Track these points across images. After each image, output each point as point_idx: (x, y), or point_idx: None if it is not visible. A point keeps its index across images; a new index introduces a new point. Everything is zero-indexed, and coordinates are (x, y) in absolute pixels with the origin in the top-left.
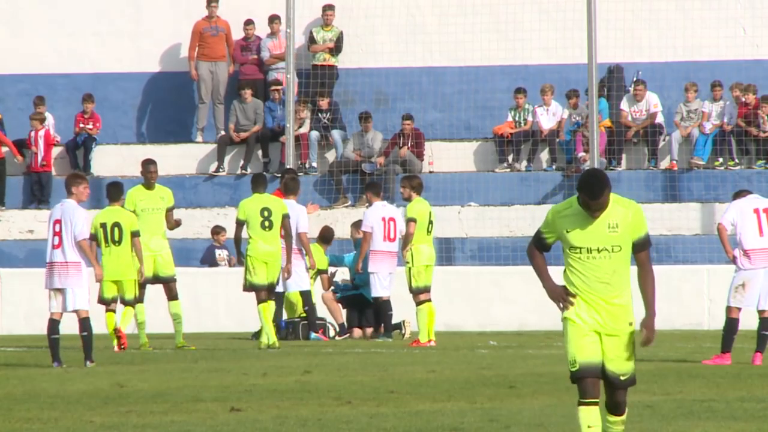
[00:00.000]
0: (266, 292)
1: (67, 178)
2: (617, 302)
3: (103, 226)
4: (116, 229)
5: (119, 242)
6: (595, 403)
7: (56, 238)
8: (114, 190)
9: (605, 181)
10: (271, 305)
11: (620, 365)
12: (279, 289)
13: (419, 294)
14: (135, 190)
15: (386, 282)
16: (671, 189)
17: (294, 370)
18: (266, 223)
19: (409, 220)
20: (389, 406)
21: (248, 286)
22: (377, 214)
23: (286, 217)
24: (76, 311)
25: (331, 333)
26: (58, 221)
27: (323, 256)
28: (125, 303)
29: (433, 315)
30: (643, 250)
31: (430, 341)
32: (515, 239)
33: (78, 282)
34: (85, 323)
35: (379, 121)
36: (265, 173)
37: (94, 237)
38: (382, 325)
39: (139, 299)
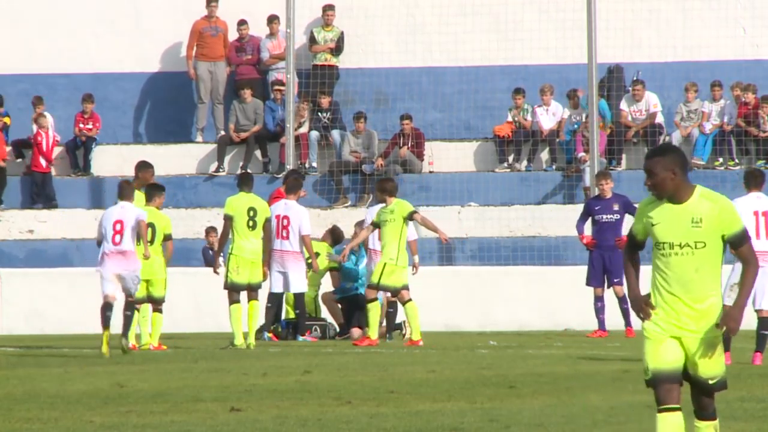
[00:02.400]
0: (249, 292)
1: (124, 186)
2: (700, 305)
3: None
4: (150, 230)
5: (151, 242)
6: (674, 410)
7: (118, 236)
8: (151, 192)
9: (663, 150)
10: (254, 306)
11: (707, 368)
12: (278, 289)
13: (407, 291)
14: None
15: None
16: None
17: (294, 370)
18: (251, 223)
19: (406, 219)
20: (389, 406)
21: (229, 285)
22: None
23: (268, 221)
24: (129, 294)
25: (331, 333)
26: (119, 221)
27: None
28: (153, 301)
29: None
30: (740, 246)
31: (376, 341)
32: (515, 239)
33: (137, 268)
34: (130, 305)
35: (379, 121)
36: (250, 172)
37: None
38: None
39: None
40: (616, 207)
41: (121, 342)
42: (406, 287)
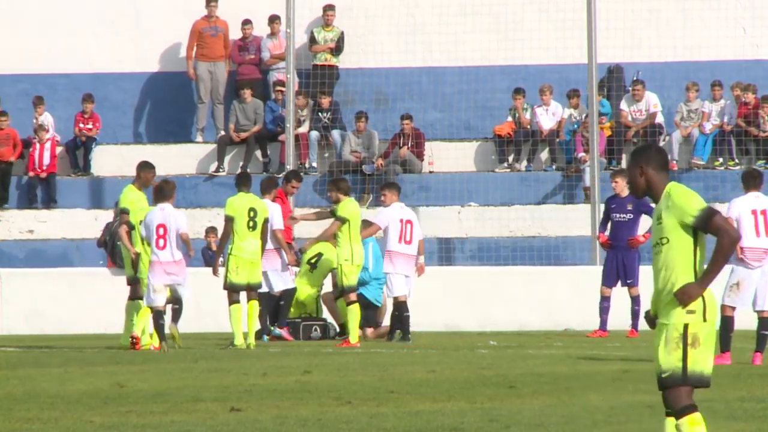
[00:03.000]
0: (248, 292)
1: (164, 186)
2: (669, 296)
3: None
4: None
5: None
6: (668, 414)
7: (161, 241)
8: (163, 190)
9: (636, 149)
10: (254, 305)
11: (661, 360)
12: (263, 288)
13: (351, 293)
14: (130, 190)
15: (402, 283)
16: None
17: (294, 370)
18: (251, 224)
19: (341, 219)
20: (389, 406)
21: (228, 285)
22: (395, 214)
23: (266, 221)
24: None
25: (332, 333)
26: (162, 225)
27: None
28: None
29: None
30: (708, 225)
31: (357, 343)
32: (515, 239)
33: (185, 275)
34: (178, 299)
35: (379, 121)
36: (249, 172)
37: (133, 229)
38: (390, 325)
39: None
40: (630, 206)
41: (171, 330)
42: (354, 289)
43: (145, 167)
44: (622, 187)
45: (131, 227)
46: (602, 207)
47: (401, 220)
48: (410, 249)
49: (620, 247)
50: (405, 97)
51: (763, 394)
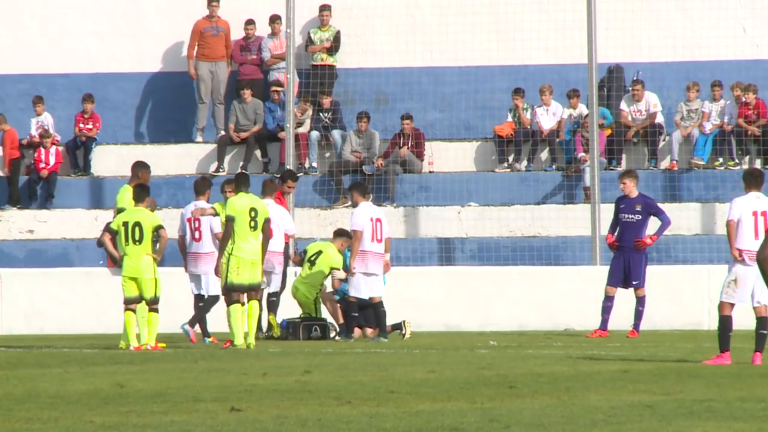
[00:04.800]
0: (248, 293)
1: (271, 182)
2: None
3: (125, 225)
4: (137, 229)
5: (140, 241)
6: None
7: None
8: (140, 192)
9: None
10: (254, 306)
11: None
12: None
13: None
14: (126, 190)
15: (377, 283)
16: (671, 189)
17: (294, 370)
18: (252, 224)
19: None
20: (389, 406)
21: (229, 285)
22: (365, 214)
23: (267, 221)
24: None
25: (332, 333)
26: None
27: (339, 255)
28: (146, 303)
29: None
30: None
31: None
32: (515, 239)
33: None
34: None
35: (379, 121)
36: (247, 173)
37: (116, 234)
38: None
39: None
40: (638, 207)
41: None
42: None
43: (142, 167)
44: (631, 188)
45: (113, 233)
46: (602, 207)
47: (371, 219)
48: (380, 247)
49: (626, 248)
50: (405, 97)
51: (763, 394)
